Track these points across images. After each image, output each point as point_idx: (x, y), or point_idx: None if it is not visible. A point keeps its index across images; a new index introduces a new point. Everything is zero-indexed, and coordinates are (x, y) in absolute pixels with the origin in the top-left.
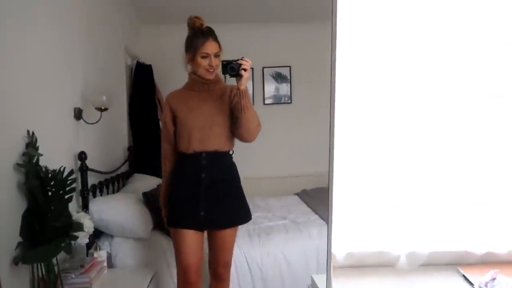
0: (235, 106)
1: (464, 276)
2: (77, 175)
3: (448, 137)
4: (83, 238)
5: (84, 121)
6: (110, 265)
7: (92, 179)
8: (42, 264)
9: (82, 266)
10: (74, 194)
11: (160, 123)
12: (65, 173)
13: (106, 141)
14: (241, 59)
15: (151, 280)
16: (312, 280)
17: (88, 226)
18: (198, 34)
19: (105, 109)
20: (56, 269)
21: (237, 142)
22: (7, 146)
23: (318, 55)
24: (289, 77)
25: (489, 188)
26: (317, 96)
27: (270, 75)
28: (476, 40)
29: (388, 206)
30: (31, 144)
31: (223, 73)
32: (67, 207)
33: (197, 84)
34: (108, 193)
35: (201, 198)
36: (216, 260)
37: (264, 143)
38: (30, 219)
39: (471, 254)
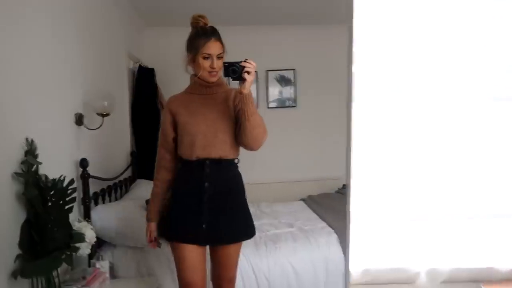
0: (239, 112)
1: None
2: (78, 183)
3: (471, 145)
4: (84, 249)
5: (86, 127)
6: (113, 275)
7: (94, 186)
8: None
9: (84, 278)
10: (74, 204)
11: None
12: (65, 182)
13: (108, 147)
14: (244, 61)
15: None
16: None
17: (90, 236)
18: (201, 33)
19: (107, 115)
20: (56, 281)
21: None
22: (5, 155)
23: (323, 58)
24: (293, 80)
25: None
26: (322, 100)
27: (274, 78)
28: (495, 44)
29: (406, 219)
30: (30, 152)
31: (224, 76)
32: (67, 217)
33: (199, 87)
34: (110, 200)
35: (204, 210)
36: (220, 277)
37: (268, 148)
38: (29, 230)
39: (495, 271)
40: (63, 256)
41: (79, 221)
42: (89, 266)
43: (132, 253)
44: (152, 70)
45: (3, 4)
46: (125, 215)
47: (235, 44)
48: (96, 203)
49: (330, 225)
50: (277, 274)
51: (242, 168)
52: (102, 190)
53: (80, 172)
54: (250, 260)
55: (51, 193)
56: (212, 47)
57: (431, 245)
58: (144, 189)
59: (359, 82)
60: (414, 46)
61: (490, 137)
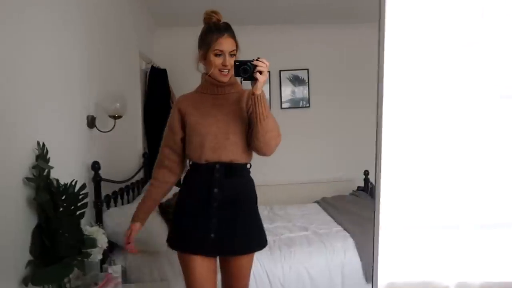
0: (251, 115)
1: None
2: (90, 186)
3: (504, 149)
4: (96, 255)
5: (98, 129)
6: (125, 280)
7: (106, 189)
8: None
9: (95, 284)
10: (86, 209)
11: None
12: (77, 187)
13: (120, 149)
14: (256, 60)
15: None
16: None
17: (102, 241)
18: (213, 29)
19: (119, 117)
20: (68, 286)
21: None
22: (16, 159)
23: (337, 58)
24: (307, 80)
25: None
26: (336, 100)
27: (287, 78)
28: None
29: (435, 228)
30: (42, 156)
31: (235, 75)
32: (79, 222)
33: (210, 86)
34: (123, 203)
35: (212, 218)
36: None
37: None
38: (41, 236)
39: None
40: (75, 262)
41: (91, 225)
42: (101, 271)
43: (144, 257)
44: (164, 71)
45: (14, 7)
46: None
47: (247, 44)
48: (108, 206)
49: (345, 229)
50: (292, 280)
51: (253, 169)
52: (114, 192)
53: (92, 175)
54: (265, 266)
55: (63, 198)
56: (225, 43)
57: (462, 256)
58: None
59: (387, 85)
60: (438, 47)
61: None
